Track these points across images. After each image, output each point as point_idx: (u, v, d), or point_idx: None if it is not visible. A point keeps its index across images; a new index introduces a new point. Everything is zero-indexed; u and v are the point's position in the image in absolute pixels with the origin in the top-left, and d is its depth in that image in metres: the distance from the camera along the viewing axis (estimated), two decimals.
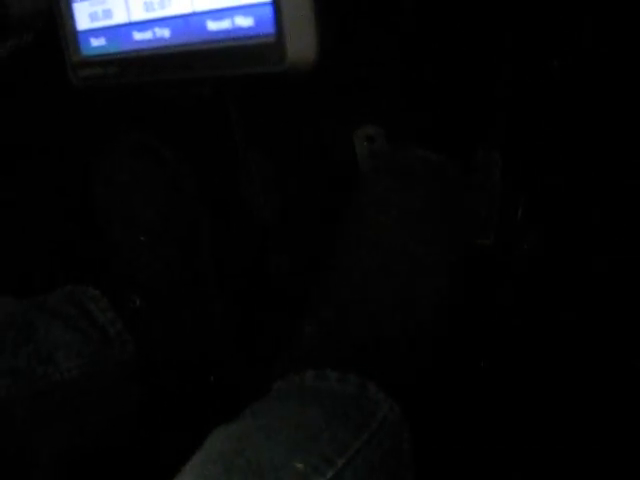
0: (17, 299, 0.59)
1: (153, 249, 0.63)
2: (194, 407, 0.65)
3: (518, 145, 0.57)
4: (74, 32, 0.44)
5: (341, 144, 0.60)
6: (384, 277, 0.52)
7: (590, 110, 0.54)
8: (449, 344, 0.56)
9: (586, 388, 0.56)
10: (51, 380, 0.53)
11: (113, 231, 0.65)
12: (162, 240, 0.64)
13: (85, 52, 0.44)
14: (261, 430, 0.41)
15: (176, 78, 0.39)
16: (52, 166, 0.72)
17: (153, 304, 0.62)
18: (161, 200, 0.64)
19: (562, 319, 0.58)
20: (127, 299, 0.61)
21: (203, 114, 0.65)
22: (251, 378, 0.57)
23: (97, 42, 0.43)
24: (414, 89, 0.59)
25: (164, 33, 0.39)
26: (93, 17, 0.43)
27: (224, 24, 0.37)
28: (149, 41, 0.40)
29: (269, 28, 0.35)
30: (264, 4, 0.35)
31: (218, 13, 0.37)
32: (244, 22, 0.36)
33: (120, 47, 0.42)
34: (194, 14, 0.38)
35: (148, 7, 0.40)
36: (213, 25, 0.37)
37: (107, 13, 0.42)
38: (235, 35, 0.37)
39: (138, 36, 0.41)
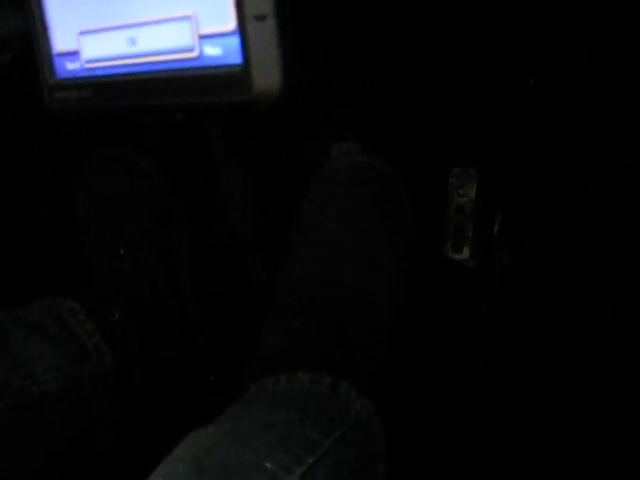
0: None
1: (133, 262, 0.64)
2: (173, 417, 0.66)
3: (494, 162, 0.58)
4: (50, 55, 0.44)
5: (319, 160, 0.61)
6: (333, 277, 0.53)
7: (566, 127, 0.55)
8: (410, 340, 0.57)
9: (564, 399, 0.58)
10: (28, 393, 0.53)
11: (93, 243, 0.65)
12: (142, 253, 0.64)
13: (60, 75, 0.44)
14: (232, 433, 0.41)
15: (148, 104, 0.40)
16: (31, 179, 0.72)
17: (132, 317, 0.63)
18: (141, 213, 0.65)
19: (539, 333, 0.59)
20: (106, 312, 0.62)
21: (184, 130, 0.66)
22: (231, 389, 0.57)
23: (72, 66, 0.44)
24: (391, 106, 0.60)
25: (137, 60, 0.40)
26: (69, 40, 0.44)
27: (194, 53, 0.38)
28: (122, 67, 0.41)
29: (237, 58, 0.36)
30: (232, 34, 0.36)
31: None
32: (212, 51, 0.37)
33: (94, 72, 0.43)
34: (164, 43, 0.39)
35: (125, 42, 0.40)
36: (183, 55, 0.38)
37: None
38: (204, 64, 0.38)
39: (112, 62, 0.42)
